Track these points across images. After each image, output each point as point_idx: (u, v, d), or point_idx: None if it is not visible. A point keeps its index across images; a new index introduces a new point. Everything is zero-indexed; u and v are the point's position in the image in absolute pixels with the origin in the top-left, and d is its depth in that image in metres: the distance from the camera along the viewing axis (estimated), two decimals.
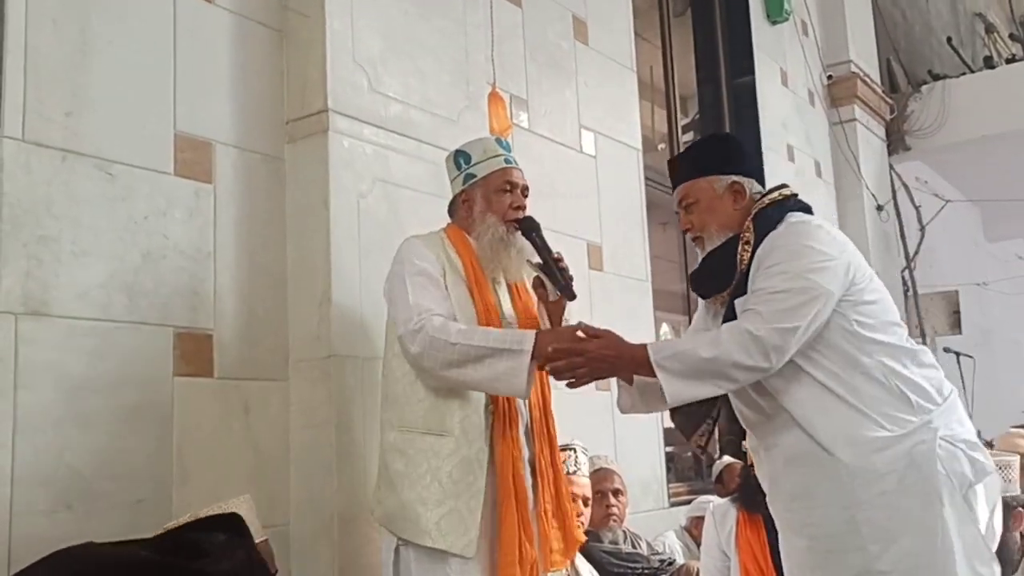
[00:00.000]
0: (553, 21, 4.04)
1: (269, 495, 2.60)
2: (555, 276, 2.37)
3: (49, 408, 2.19)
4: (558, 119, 3.96)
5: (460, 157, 2.52)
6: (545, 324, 2.45)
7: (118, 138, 2.41)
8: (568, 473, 3.06)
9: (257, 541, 2.09)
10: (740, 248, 2.17)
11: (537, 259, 2.40)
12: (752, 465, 2.71)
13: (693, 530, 3.89)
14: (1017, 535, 2.88)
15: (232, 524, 2.04)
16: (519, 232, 2.43)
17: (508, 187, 2.45)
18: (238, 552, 1.97)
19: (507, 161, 2.49)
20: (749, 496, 3.03)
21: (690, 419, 2.30)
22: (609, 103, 4.30)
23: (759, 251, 2.13)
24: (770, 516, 2.30)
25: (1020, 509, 2.87)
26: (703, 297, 2.35)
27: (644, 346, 2.12)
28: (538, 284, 2.44)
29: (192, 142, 2.59)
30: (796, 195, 2.28)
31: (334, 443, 2.62)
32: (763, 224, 2.17)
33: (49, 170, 2.26)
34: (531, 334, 2.22)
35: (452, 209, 2.56)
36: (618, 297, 4.10)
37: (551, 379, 2.38)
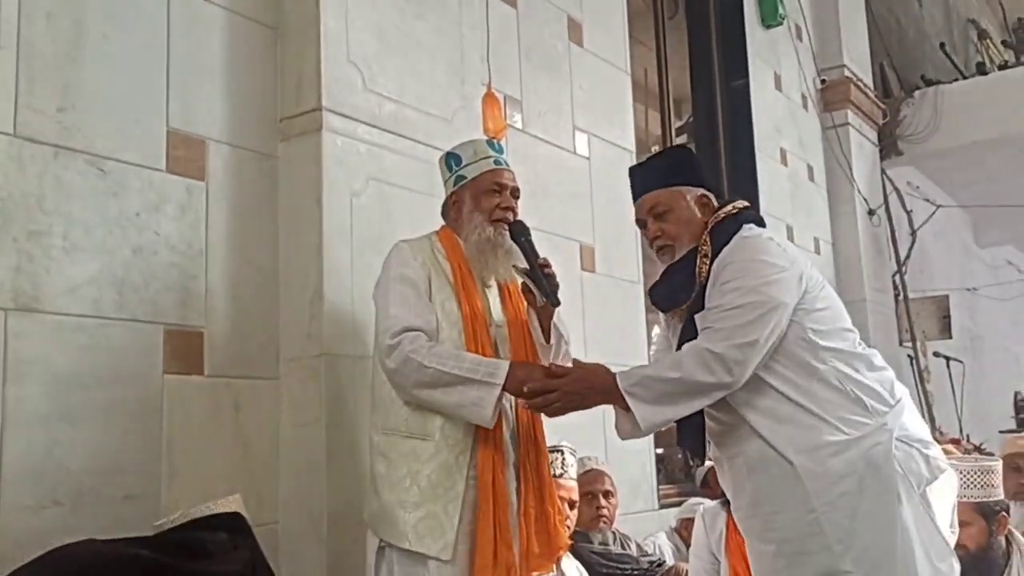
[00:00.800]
0: (548, 22, 4.04)
1: (258, 493, 2.60)
2: (541, 282, 2.37)
3: (38, 404, 2.18)
4: (552, 120, 3.96)
5: (451, 159, 2.52)
6: (536, 328, 2.46)
7: (111, 134, 2.40)
8: (555, 476, 3.05)
9: None
10: (699, 261, 2.22)
11: (524, 264, 2.40)
12: None
13: (683, 532, 3.90)
14: (1002, 539, 2.89)
15: (234, 523, 2.03)
16: (507, 233, 2.43)
17: (497, 188, 2.46)
18: (241, 552, 1.96)
19: (497, 163, 2.50)
20: None
21: (691, 439, 2.30)
22: (603, 105, 4.30)
23: (714, 266, 2.18)
24: None
25: (1004, 514, 2.88)
26: (662, 311, 2.38)
27: (612, 376, 2.17)
28: (526, 289, 2.44)
29: (185, 139, 2.58)
30: (748, 207, 2.32)
31: (324, 442, 2.61)
32: (719, 237, 2.22)
33: (41, 165, 2.26)
34: (504, 366, 2.24)
35: (445, 211, 2.57)
36: (610, 299, 4.11)
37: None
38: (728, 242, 2.20)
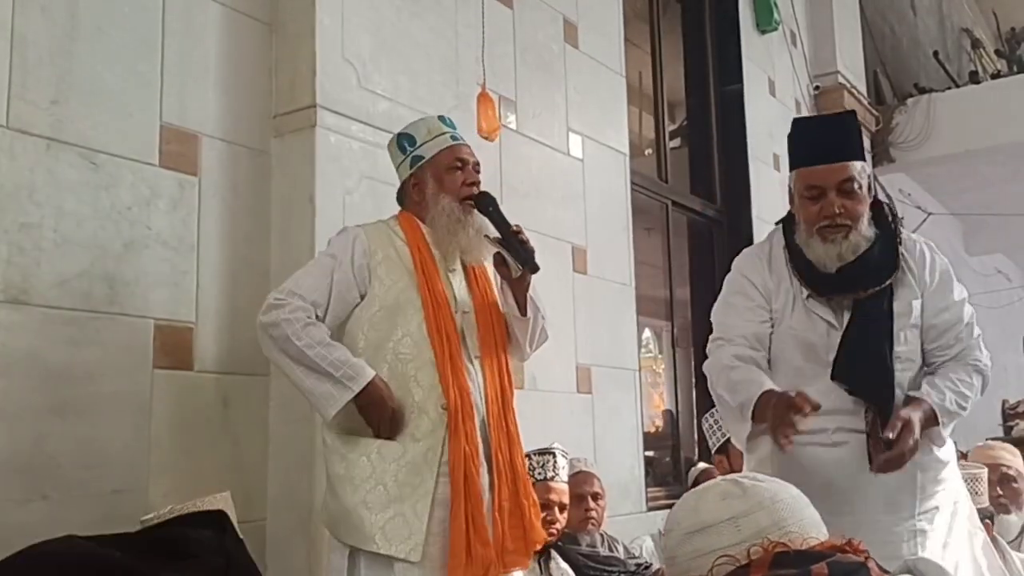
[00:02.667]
0: (544, 23, 4.04)
1: (246, 490, 2.59)
2: (515, 249, 2.31)
3: (26, 396, 2.17)
4: (546, 121, 3.96)
5: (404, 140, 2.43)
6: (510, 306, 2.39)
7: (103, 127, 2.40)
8: (546, 478, 3.05)
9: None
10: (898, 246, 2.29)
11: (496, 234, 2.33)
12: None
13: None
14: None
15: (217, 521, 2.01)
16: (475, 210, 2.35)
17: (459, 164, 2.38)
18: (222, 553, 1.93)
19: (454, 138, 2.42)
20: None
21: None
22: (597, 107, 4.31)
23: (927, 260, 2.31)
24: None
25: (988, 521, 2.89)
26: (852, 292, 2.26)
27: (926, 405, 2.21)
28: (500, 262, 2.37)
29: (178, 134, 2.58)
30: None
31: (313, 439, 2.61)
32: (887, 224, 2.30)
33: (33, 157, 2.25)
34: (367, 376, 2.17)
35: (402, 195, 2.47)
36: (601, 301, 4.11)
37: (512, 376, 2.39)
38: (895, 234, 2.29)
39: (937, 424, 2.18)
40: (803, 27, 6.68)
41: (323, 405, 2.20)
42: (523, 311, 2.40)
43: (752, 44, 5.96)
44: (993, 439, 5.92)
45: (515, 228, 2.34)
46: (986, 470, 3.03)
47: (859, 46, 7.27)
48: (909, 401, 2.20)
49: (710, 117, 5.82)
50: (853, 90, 6.86)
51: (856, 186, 2.21)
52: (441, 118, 2.49)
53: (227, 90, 2.73)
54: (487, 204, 2.36)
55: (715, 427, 3.84)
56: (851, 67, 7.00)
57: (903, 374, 2.26)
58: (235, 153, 2.73)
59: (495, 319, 2.40)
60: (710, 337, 2.44)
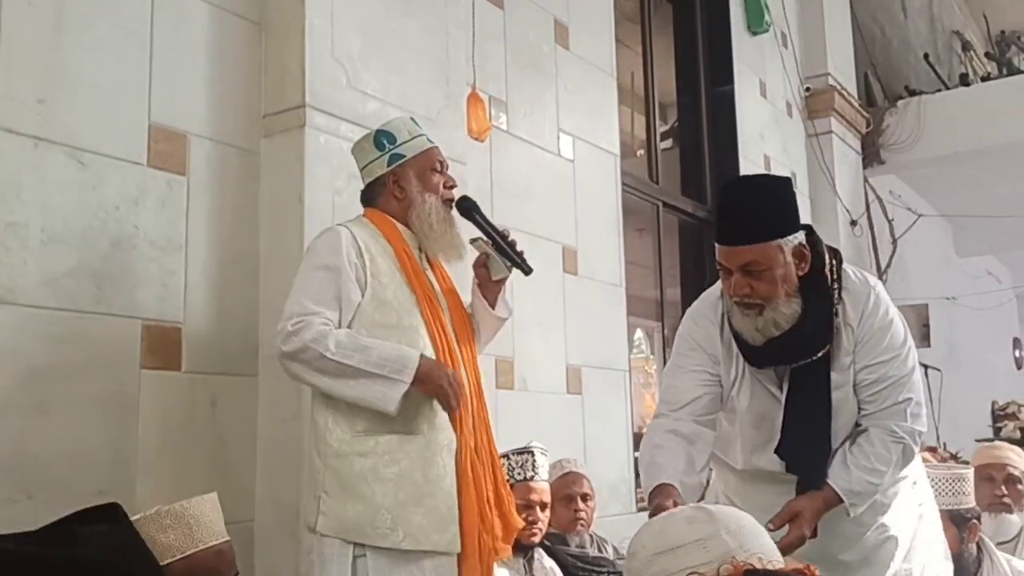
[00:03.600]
0: (535, 24, 4.05)
1: (234, 490, 2.58)
2: (510, 254, 2.35)
3: (11, 395, 2.16)
4: (537, 122, 3.96)
5: (382, 137, 2.41)
6: (484, 305, 2.44)
7: (91, 126, 2.39)
8: (526, 478, 3.04)
9: (218, 543, 2.04)
10: (832, 318, 2.14)
11: (482, 238, 2.36)
12: None
13: None
14: (973, 547, 2.90)
15: (111, 515, 1.97)
16: (456, 212, 2.41)
17: (439, 167, 2.43)
18: (114, 539, 1.88)
19: (429, 141, 2.46)
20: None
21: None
22: (588, 108, 4.31)
23: (863, 317, 2.16)
24: None
25: (975, 521, 2.90)
26: (782, 364, 2.17)
27: (826, 495, 2.11)
28: (480, 264, 2.40)
29: (166, 133, 2.57)
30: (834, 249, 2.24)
31: (301, 440, 2.60)
32: (823, 294, 2.14)
33: (19, 155, 2.24)
34: (413, 363, 2.18)
35: (373, 193, 2.44)
36: (591, 301, 4.11)
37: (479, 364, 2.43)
38: (858, 294, 2.17)
39: (843, 503, 2.10)
40: (794, 29, 6.70)
41: (381, 405, 2.19)
42: (493, 306, 2.44)
43: (743, 46, 5.98)
44: (981, 440, 5.94)
45: (503, 231, 2.38)
46: (971, 470, 3.03)
47: (850, 48, 7.30)
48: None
49: (701, 118, 5.84)
50: (843, 92, 6.88)
51: (763, 268, 2.05)
52: (413, 120, 2.52)
53: (216, 89, 2.72)
54: (472, 209, 2.41)
55: None
56: (842, 69, 7.02)
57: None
58: (224, 153, 2.72)
59: (458, 301, 2.45)
60: (658, 405, 2.33)
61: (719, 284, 2.25)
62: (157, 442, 2.44)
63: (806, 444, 2.15)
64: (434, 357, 2.27)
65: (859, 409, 2.20)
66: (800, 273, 2.09)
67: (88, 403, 2.30)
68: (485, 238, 2.38)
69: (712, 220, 5.64)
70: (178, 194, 2.58)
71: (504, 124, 3.77)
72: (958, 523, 2.84)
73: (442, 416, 2.27)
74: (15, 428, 2.16)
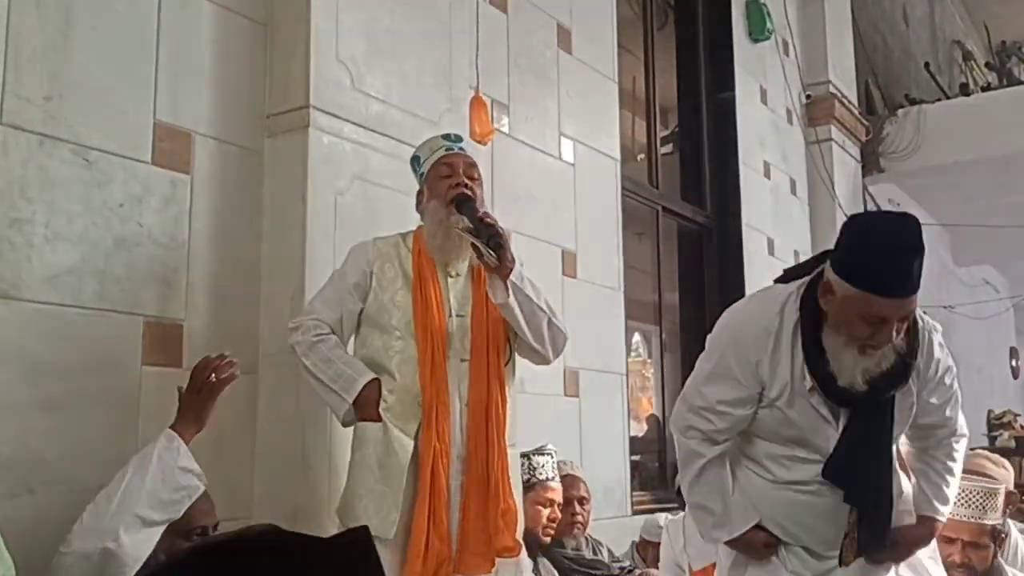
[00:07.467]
0: (538, 28, 4.06)
1: (232, 488, 2.59)
2: (481, 231, 2.32)
3: (14, 391, 2.18)
4: (538, 126, 3.98)
5: (414, 162, 2.60)
6: (492, 294, 2.41)
7: (97, 124, 2.40)
8: (547, 479, 3.11)
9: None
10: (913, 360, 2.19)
11: (468, 226, 2.36)
12: None
13: (641, 551, 3.90)
14: (1001, 561, 2.91)
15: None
16: (456, 209, 2.41)
17: (447, 171, 2.48)
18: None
19: (448, 149, 2.52)
20: None
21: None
22: (590, 112, 4.33)
23: (932, 362, 2.24)
24: None
25: (1004, 535, 2.92)
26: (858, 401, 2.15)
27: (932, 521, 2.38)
28: (478, 254, 2.39)
29: (171, 132, 2.59)
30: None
31: (301, 438, 2.62)
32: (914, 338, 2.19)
33: (25, 153, 2.25)
34: (358, 386, 2.37)
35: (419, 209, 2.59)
36: (590, 305, 4.13)
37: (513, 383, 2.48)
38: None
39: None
40: (795, 36, 6.72)
41: (336, 414, 2.47)
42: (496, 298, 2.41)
43: (744, 52, 6.00)
44: (976, 449, 5.95)
45: (483, 214, 2.38)
46: (1003, 485, 3.01)
47: (851, 56, 7.32)
48: (920, 520, 2.35)
49: (702, 124, 5.85)
50: (844, 100, 6.90)
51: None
52: (445, 135, 2.60)
53: (220, 89, 2.74)
54: (462, 200, 2.42)
55: None
56: (842, 77, 7.04)
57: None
58: (227, 152, 2.73)
59: (489, 324, 2.44)
60: (686, 411, 2.29)
61: (770, 301, 2.21)
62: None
63: (869, 474, 2.20)
64: (416, 357, 2.37)
65: (909, 436, 2.37)
66: None
67: (90, 399, 2.32)
68: (469, 225, 2.37)
69: (712, 226, 5.68)
70: (182, 193, 2.60)
71: (506, 127, 3.79)
72: (995, 539, 2.85)
73: (407, 417, 2.36)
74: (17, 423, 2.18)
